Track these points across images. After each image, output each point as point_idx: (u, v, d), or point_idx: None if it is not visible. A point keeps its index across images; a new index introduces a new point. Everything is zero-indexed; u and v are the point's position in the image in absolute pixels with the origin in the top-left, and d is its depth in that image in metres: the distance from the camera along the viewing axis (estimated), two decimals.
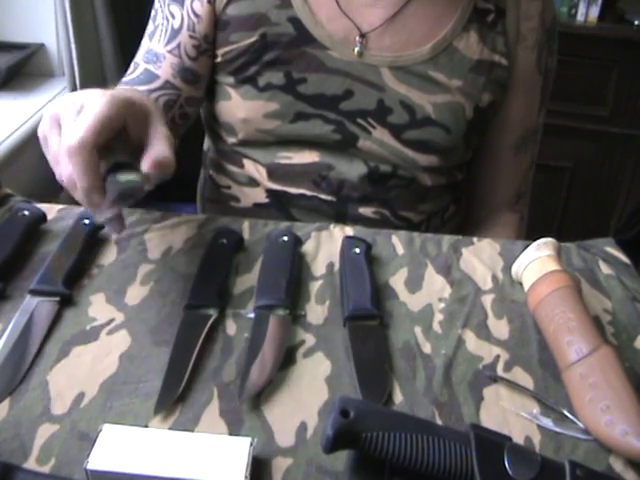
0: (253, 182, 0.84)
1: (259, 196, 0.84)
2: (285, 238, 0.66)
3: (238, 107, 0.78)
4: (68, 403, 0.49)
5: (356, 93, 0.77)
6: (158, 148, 0.54)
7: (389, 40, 0.77)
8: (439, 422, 0.50)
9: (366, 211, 0.82)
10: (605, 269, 0.68)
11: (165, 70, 0.78)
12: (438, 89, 0.77)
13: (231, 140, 0.82)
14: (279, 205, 0.83)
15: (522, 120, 0.85)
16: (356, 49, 0.76)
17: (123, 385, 0.51)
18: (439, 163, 0.80)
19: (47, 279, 0.59)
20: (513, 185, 0.90)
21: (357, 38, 0.76)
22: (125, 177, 0.53)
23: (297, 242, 0.67)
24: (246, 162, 0.83)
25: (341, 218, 0.82)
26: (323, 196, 0.82)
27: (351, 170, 0.80)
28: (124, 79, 0.79)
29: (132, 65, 0.81)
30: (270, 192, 0.83)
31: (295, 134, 0.79)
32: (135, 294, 0.60)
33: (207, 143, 0.92)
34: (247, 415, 0.49)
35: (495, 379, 0.54)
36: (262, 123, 0.78)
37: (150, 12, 0.82)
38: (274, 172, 0.82)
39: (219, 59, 0.79)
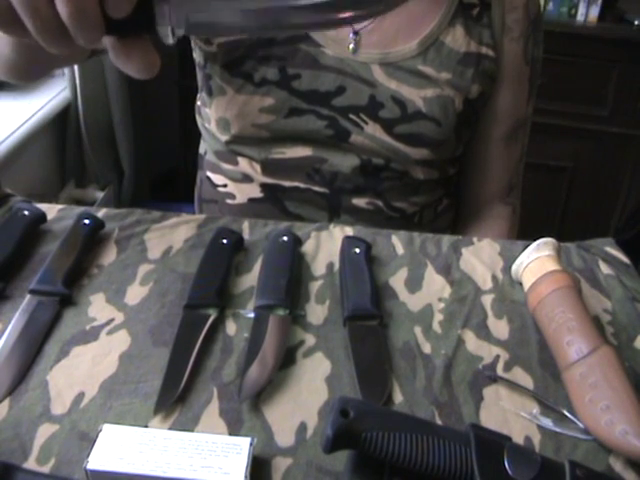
0: (247, 178, 0.85)
1: (254, 191, 0.85)
2: (285, 238, 0.66)
3: (234, 101, 0.79)
4: (68, 403, 0.49)
5: (348, 89, 0.78)
6: None
7: (377, 37, 0.78)
8: (439, 422, 0.50)
9: (359, 202, 0.83)
10: (605, 269, 0.68)
11: None
12: (428, 83, 0.78)
13: (225, 137, 0.83)
14: (274, 199, 0.84)
15: (511, 111, 0.86)
16: (351, 46, 0.78)
17: (123, 385, 0.51)
18: (430, 156, 0.80)
19: (47, 279, 0.59)
20: (504, 177, 0.91)
21: (350, 36, 0.78)
22: None
23: (297, 242, 0.67)
24: (240, 160, 0.84)
25: (335, 209, 0.83)
26: (316, 188, 0.83)
27: (344, 162, 0.81)
28: None
29: None
30: (264, 186, 0.84)
31: (289, 129, 0.79)
32: (135, 294, 0.60)
33: (203, 146, 0.93)
34: (247, 415, 0.49)
35: (495, 379, 0.54)
36: (257, 118, 0.79)
37: None
38: (268, 167, 0.83)
39: (215, 48, 0.79)
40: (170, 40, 0.40)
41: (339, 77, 0.78)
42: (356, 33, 0.78)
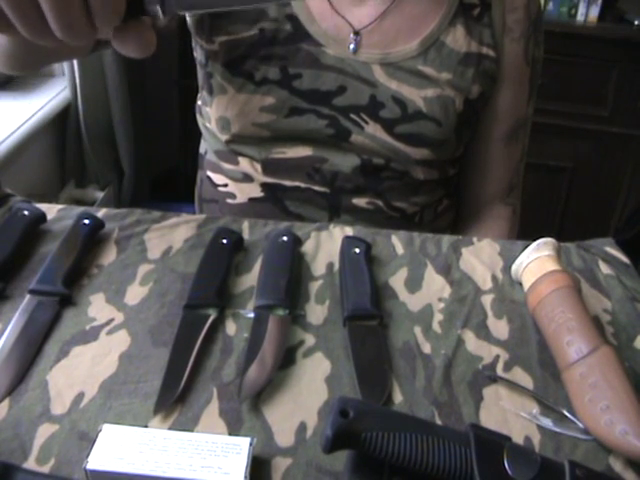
0: (248, 178, 0.85)
1: (254, 191, 0.85)
2: (285, 238, 0.66)
3: (234, 100, 0.79)
4: (68, 403, 0.49)
5: (349, 89, 0.78)
6: None
7: (378, 37, 0.78)
8: (439, 422, 0.50)
9: (360, 202, 0.83)
10: (605, 269, 0.68)
11: None
12: (428, 83, 0.78)
13: (225, 137, 0.83)
14: (274, 198, 0.84)
15: (512, 111, 0.86)
16: (351, 46, 0.78)
17: (123, 385, 0.51)
18: (431, 156, 0.80)
19: (47, 279, 0.59)
20: (505, 177, 0.91)
21: (351, 36, 0.78)
22: None
23: (297, 242, 0.67)
24: (241, 159, 0.84)
25: (335, 209, 0.84)
26: (317, 188, 0.83)
27: (344, 162, 0.81)
28: None
29: None
30: (265, 186, 0.84)
31: (289, 129, 0.79)
32: (135, 294, 0.60)
33: (203, 146, 0.93)
34: (247, 415, 0.49)
35: (495, 379, 0.54)
36: (258, 117, 0.79)
37: None
38: (269, 167, 0.83)
39: (216, 47, 0.79)
40: (161, 16, 0.40)
41: (340, 77, 0.78)
42: (357, 33, 0.78)
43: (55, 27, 0.39)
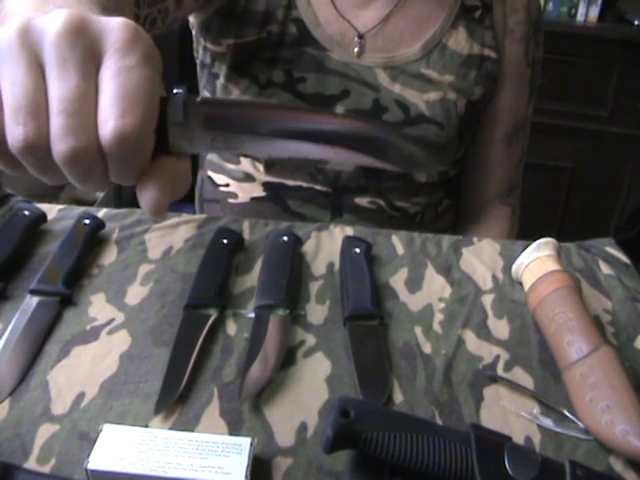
0: (250, 177, 0.85)
1: (256, 190, 0.85)
2: (285, 238, 0.66)
3: None
4: (68, 403, 0.49)
5: (352, 93, 0.79)
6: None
7: (381, 41, 0.79)
8: (439, 422, 0.50)
9: (362, 201, 0.83)
10: (605, 269, 0.69)
11: None
12: (431, 86, 0.78)
13: None
14: (276, 197, 0.84)
15: (512, 112, 0.86)
16: (355, 50, 0.78)
17: (123, 385, 0.51)
18: None
19: (47, 279, 0.59)
20: (505, 178, 0.91)
21: (355, 39, 0.78)
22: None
23: (297, 242, 0.67)
24: (242, 159, 0.84)
25: (337, 208, 0.84)
26: (319, 187, 0.83)
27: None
28: None
29: None
30: (267, 185, 0.84)
31: None
32: (135, 294, 0.60)
33: None
34: (247, 415, 0.49)
35: (495, 379, 0.54)
36: None
37: None
38: (271, 166, 0.83)
39: (224, 49, 0.79)
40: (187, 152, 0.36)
41: (343, 81, 0.78)
42: (361, 37, 0.78)
43: (71, 179, 0.34)
